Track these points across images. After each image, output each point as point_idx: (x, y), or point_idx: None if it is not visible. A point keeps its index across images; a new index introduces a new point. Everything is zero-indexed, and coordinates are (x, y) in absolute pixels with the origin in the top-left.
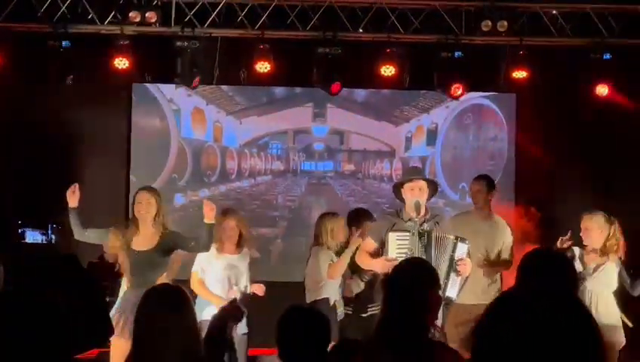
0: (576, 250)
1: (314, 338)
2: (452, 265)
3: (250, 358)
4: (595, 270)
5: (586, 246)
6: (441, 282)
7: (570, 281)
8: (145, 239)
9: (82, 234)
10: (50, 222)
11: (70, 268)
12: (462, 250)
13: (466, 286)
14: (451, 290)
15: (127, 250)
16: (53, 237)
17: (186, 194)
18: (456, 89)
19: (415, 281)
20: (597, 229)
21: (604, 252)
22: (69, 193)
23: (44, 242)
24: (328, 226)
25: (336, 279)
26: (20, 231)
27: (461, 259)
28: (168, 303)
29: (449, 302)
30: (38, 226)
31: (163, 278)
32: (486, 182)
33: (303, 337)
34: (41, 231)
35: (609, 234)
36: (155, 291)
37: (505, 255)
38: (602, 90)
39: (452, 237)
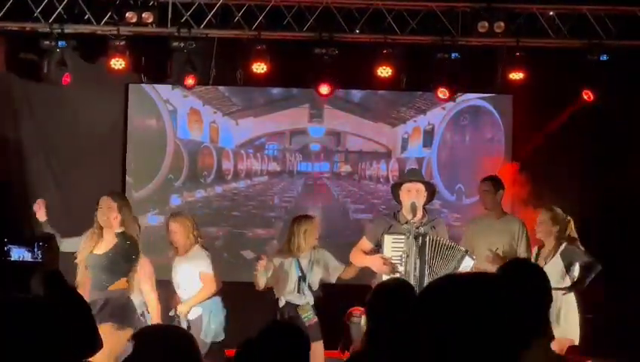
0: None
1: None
2: None
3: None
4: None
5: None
6: None
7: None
8: (104, 243)
9: (60, 244)
10: (37, 241)
11: (55, 285)
12: (467, 263)
13: None
14: None
15: (88, 254)
16: (39, 254)
17: (182, 195)
18: (442, 93)
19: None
20: (546, 224)
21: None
22: (35, 209)
23: (31, 259)
24: (302, 228)
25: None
26: (5, 247)
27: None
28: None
29: None
30: (24, 243)
31: (122, 283)
32: (492, 182)
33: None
34: (28, 249)
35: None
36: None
37: (521, 253)
38: (597, 92)
39: (462, 248)
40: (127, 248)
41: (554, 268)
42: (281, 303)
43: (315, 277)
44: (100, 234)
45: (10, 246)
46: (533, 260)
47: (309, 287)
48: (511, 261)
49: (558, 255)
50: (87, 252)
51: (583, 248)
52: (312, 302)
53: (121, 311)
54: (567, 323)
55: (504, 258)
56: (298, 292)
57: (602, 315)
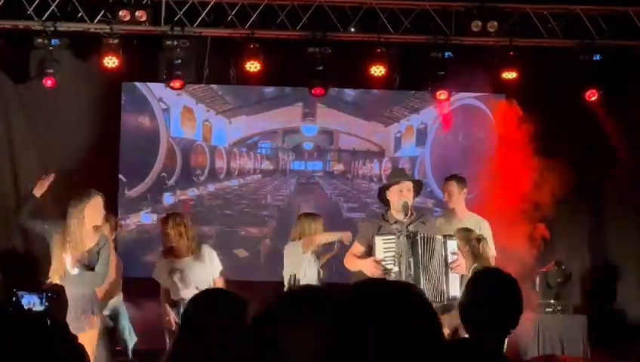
0: None
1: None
2: (447, 264)
3: None
4: None
5: None
6: (442, 281)
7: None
8: None
9: (27, 220)
10: (47, 291)
11: (60, 338)
12: (452, 247)
13: None
14: (453, 289)
15: None
16: (47, 304)
17: (175, 193)
18: (440, 94)
19: None
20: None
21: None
22: (40, 180)
23: (40, 308)
24: (312, 226)
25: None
26: (15, 296)
27: (454, 254)
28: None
29: (455, 300)
30: (35, 291)
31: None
32: (456, 180)
33: None
34: (39, 296)
35: None
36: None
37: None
38: (591, 91)
39: (440, 236)
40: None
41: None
42: None
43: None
44: None
45: (20, 292)
46: None
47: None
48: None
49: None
50: None
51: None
52: None
53: None
54: None
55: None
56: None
57: None
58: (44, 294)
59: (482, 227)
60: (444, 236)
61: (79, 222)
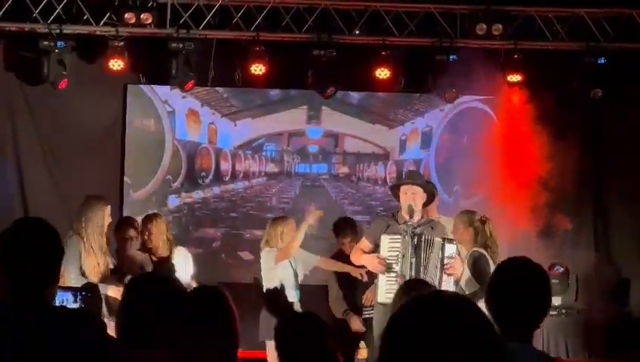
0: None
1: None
2: (443, 267)
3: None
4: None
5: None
6: (436, 284)
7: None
8: None
9: None
10: (81, 290)
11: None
12: (450, 250)
13: None
14: None
15: None
16: (81, 302)
17: (180, 195)
18: (452, 94)
19: None
20: (461, 229)
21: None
22: None
23: (74, 305)
24: (278, 229)
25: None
26: None
27: (451, 258)
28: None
29: None
30: (70, 289)
31: None
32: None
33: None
34: (73, 293)
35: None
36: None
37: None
38: (596, 94)
39: (439, 239)
40: None
41: (464, 274)
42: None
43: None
44: None
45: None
46: None
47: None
48: None
49: (466, 260)
50: None
51: (489, 258)
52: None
53: None
54: None
55: None
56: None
57: None
58: (78, 292)
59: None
60: (444, 239)
61: (101, 228)
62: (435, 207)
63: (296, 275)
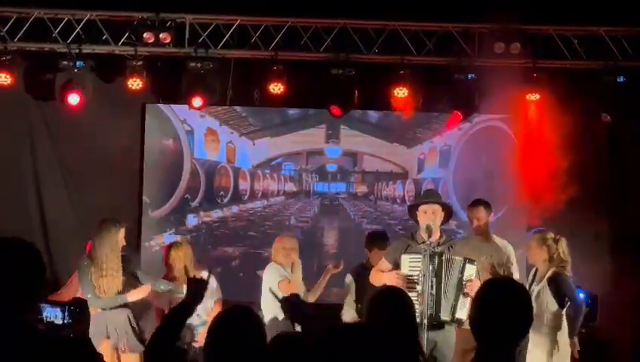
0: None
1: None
2: (461, 287)
3: None
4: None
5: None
6: (451, 304)
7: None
8: None
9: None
10: (70, 305)
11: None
12: (470, 271)
13: None
14: (461, 312)
15: None
16: (69, 317)
17: (199, 214)
18: (457, 116)
19: None
20: (535, 248)
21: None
22: None
23: (60, 322)
24: (280, 245)
25: None
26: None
27: (470, 281)
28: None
29: (459, 323)
30: (58, 304)
31: None
32: (484, 205)
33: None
34: (61, 309)
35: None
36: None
37: (508, 273)
38: (605, 118)
39: (460, 258)
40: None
41: (544, 294)
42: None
43: None
44: None
45: (43, 305)
46: (528, 283)
47: None
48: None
49: (545, 280)
50: None
51: (570, 274)
52: None
53: None
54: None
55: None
56: None
57: None
58: (67, 307)
59: (508, 249)
60: (465, 259)
61: (116, 250)
62: (487, 227)
63: None
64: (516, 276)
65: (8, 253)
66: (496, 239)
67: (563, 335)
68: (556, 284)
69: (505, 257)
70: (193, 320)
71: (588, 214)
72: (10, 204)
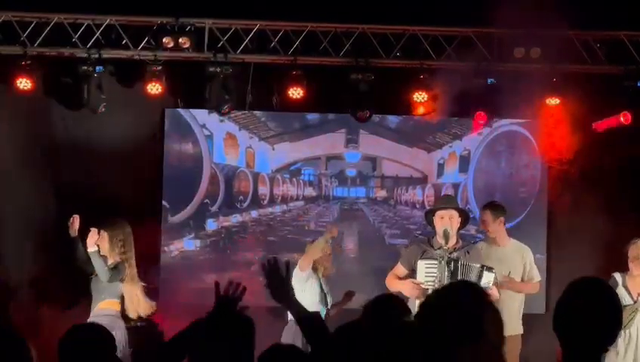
0: (618, 276)
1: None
2: None
3: None
4: None
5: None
6: None
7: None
8: None
9: (87, 266)
10: None
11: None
12: (488, 278)
13: None
14: None
15: None
16: None
17: (218, 219)
18: (482, 117)
19: None
20: None
21: None
22: (69, 224)
23: None
24: (307, 248)
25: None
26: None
27: (487, 286)
28: None
29: None
30: None
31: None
32: (490, 208)
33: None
34: None
35: None
36: None
37: (525, 277)
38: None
39: (477, 265)
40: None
41: None
42: None
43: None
44: None
45: None
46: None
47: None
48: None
49: None
50: None
51: (618, 280)
52: None
53: None
54: None
55: (512, 285)
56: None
57: None
58: None
59: (524, 254)
60: (482, 266)
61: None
62: (504, 232)
63: (324, 295)
64: (536, 278)
65: None
66: (513, 242)
67: None
68: None
69: (518, 261)
70: None
71: (609, 220)
72: (33, 215)
